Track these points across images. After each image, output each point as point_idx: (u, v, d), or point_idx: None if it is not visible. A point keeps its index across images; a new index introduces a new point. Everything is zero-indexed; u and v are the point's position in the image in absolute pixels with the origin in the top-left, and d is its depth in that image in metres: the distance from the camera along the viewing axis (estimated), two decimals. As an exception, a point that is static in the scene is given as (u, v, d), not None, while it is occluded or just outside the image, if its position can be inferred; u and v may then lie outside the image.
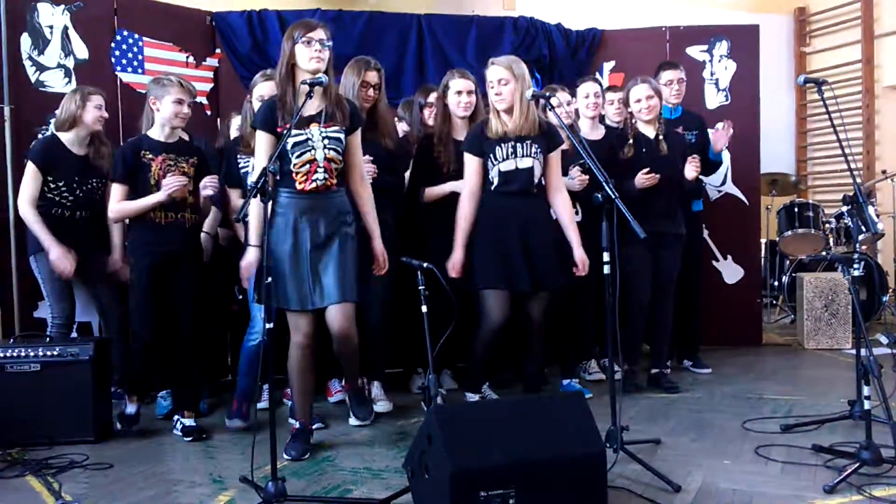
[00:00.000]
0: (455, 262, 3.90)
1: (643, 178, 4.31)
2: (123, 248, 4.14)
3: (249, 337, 3.95)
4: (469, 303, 3.90)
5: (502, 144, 3.85)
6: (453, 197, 4.07)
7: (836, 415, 3.81)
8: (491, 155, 3.86)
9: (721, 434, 3.74)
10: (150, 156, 3.81)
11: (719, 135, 4.86)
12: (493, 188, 3.91)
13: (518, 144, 3.84)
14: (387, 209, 4.12)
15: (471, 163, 3.94)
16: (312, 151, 3.36)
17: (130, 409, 3.90)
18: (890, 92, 7.73)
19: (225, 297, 4.36)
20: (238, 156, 4.05)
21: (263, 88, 3.95)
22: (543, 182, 4.02)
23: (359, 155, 3.57)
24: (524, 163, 3.86)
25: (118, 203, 3.83)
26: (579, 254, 3.98)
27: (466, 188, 3.96)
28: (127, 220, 4.01)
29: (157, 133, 3.88)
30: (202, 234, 4.16)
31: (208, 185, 3.83)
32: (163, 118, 3.84)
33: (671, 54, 5.85)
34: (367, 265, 3.56)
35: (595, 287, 4.18)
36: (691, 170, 4.40)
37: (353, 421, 3.77)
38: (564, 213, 4.03)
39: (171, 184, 3.73)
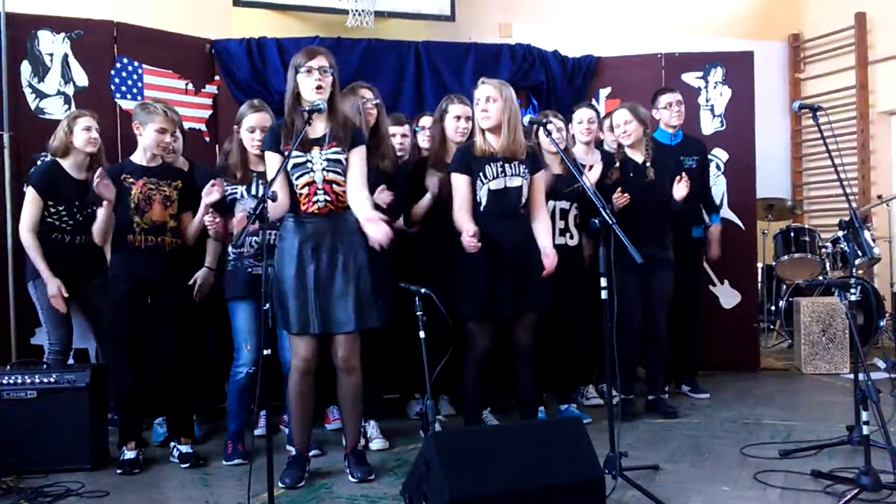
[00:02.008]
0: (470, 231, 3.58)
1: (616, 199, 4.33)
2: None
3: (236, 370, 3.89)
4: (463, 329, 3.88)
5: (491, 164, 3.81)
6: (445, 218, 3.95)
7: (835, 440, 3.81)
8: (480, 174, 3.81)
9: (719, 460, 3.73)
10: (132, 179, 3.81)
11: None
12: (481, 209, 3.83)
13: (507, 164, 3.82)
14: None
15: (459, 180, 3.85)
16: (311, 174, 3.39)
17: (129, 455, 3.78)
18: (884, 117, 7.78)
19: (223, 322, 4.35)
20: (224, 183, 4.02)
21: (252, 120, 3.92)
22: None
23: (361, 166, 3.50)
24: (514, 182, 3.82)
25: (94, 226, 3.84)
26: (550, 250, 3.83)
27: (458, 203, 3.82)
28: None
29: (139, 157, 3.88)
30: (204, 269, 4.13)
31: (215, 187, 3.73)
32: (144, 145, 3.86)
33: (666, 81, 5.89)
34: (377, 290, 3.54)
35: (591, 312, 4.19)
36: (682, 188, 4.40)
37: (351, 479, 3.54)
38: (542, 227, 3.94)
39: (98, 184, 3.62)
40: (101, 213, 3.75)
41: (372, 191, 3.93)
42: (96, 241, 3.91)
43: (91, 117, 4.18)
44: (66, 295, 4.06)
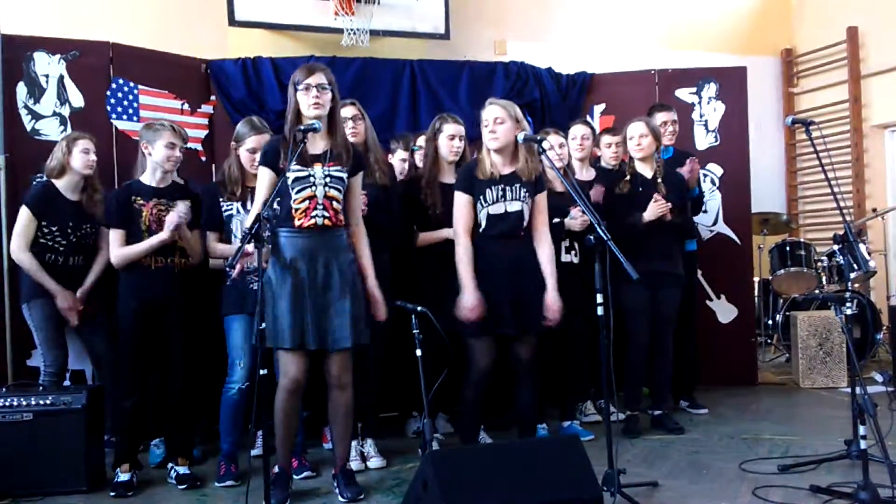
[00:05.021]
0: (469, 303, 3.68)
1: (654, 206, 4.36)
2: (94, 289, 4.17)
3: (228, 386, 3.88)
4: (464, 346, 3.88)
5: (492, 187, 3.82)
6: (446, 242, 4.06)
7: (834, 454, 3.80)
8: (480, 197, 3.83)
9: (718, 475, 3.72)
10: (141, 201, 3.83)
11: (686, 172, 4.86)
12: (480, 231, 3.85)
13: (507, 188, 3.83)
14: (384, 250, 4.12)
15: (461, 200, 3.87)
16: (312, 188, 3.40)
17: (123, 477, 3.75)
18: (878, 131, 7.82)
19: (219, 342, 4.34)
20: (220, 199, 4.03)
21: (252, 142, 3.95)
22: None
23: (358, 196, 3.62)
24: (513, 206, 3.83)
25: (120, 248, 3.83)
26: (552, 297, 3.83)
27: (461, 225, 3.85)
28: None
29: (148, 178, 3.90)
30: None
31: (180, 212, 3.79)
32: (154, 162, 3.88)
33: (660, 96, 5.92)
34: (367, 307, 3.55)
35: (591, 328, 4.18)
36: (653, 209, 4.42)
37: (340, 499, 3.52)
38: (545, 255, 3.93)
39: (173, 220, 3.74)
40: (154, 239, 3.78)
41: (371, 206, 3.95)
42: (115, 264, 3.89)
43: (90, 140, 4.20)
44: (80, 307, 4.08)
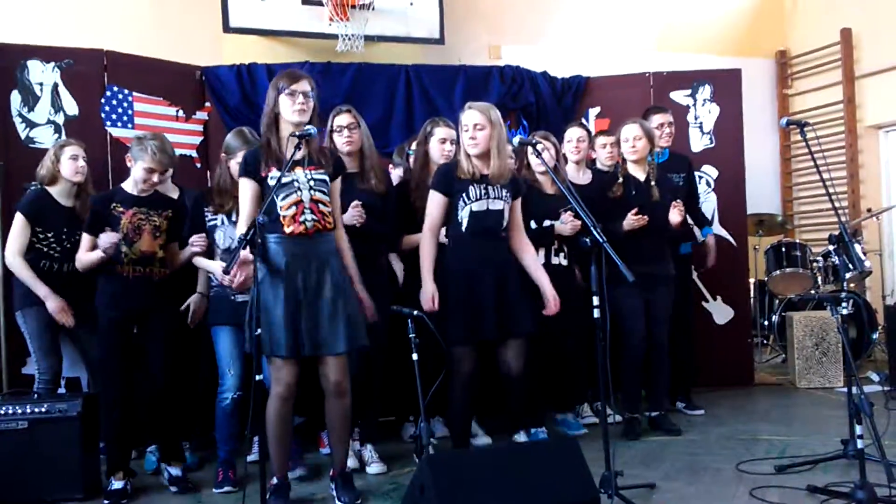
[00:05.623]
0: (427, 294, 3.76)
1: (632, 220, 4.34)
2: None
3: (221, 396, 3.87)
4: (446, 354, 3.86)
5: (475, 185, 3.80)
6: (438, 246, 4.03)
7: (830, 454, 3.80)
8: (462, 194, 3.80)
9: (716, 477, 3.72)
10: (121, 208, 3.82)
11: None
12: (463, 230, 3.82)
13: (489, 186, 3.82)
14: (381, 256, 4.10)
15: (435, 199, 3.86)
16: (298, 193, 3.36)
17: (116, 485, 3.74)
18: (872, 131, 7.83)
19: (209, 348, 4.33)
20: (205, 210, 4.01)
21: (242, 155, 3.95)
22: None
23: (338, 201, 3.58)
24: (496, 205, 3.82)
25: (81, 253, 3.85)
26: (550, 291, 3.89)
27: (428, 224, 3.86)
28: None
29: (130, 186, 3.89)
30: (196, 295, 4.13)
31: (196, 244, 3.83)
32: (133, 177, 3.89)
33: (655, 99, 5.93)
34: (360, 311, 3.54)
35: (587, 330, 4.19)
36: (676, 214, 4.43)
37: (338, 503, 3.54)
38: (528, 256, 3.97)
39: (104, 242, 3.72)
40: (95, 255, 3.76)
41: (368, 213, 3.95)
42: (78, 268, 3.91)
43: (78, 146, 4.19)
44: (68, 311, 4.05)
